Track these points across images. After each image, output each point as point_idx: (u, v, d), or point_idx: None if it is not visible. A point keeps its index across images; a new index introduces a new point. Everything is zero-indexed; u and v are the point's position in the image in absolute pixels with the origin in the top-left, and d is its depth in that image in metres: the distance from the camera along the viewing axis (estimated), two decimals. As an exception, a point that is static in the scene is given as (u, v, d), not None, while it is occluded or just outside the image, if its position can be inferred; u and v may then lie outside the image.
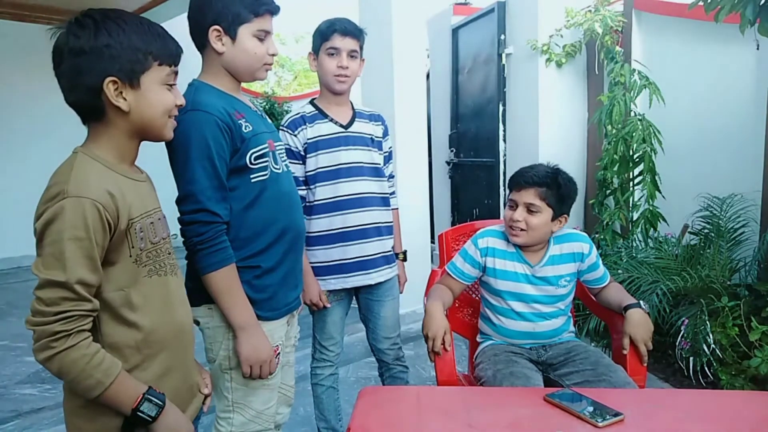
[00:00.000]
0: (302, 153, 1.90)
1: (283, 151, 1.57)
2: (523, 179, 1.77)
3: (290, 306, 1.53)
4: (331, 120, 1.93)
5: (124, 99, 1.05)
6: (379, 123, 2.06)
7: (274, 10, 1.44)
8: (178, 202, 1.35)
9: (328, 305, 1.95)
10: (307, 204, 1.91)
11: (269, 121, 1.59)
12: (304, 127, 1.90)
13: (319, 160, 1.89)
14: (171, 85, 1.12)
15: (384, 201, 2.01)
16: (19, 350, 3.40)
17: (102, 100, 1.04)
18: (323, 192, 1.90)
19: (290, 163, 1.86)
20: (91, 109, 1.06)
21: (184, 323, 1.20)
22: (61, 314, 0.96)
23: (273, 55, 1.46)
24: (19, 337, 3.55)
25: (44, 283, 0.96)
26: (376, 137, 2.02)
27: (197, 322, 1.46)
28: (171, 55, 1.11)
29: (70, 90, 1.04)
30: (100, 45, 1.01)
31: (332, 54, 1.88)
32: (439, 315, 1.70)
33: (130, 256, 1.06)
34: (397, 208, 2.13)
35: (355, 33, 1.90)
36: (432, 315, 1.70)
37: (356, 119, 1.98)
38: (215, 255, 1.33)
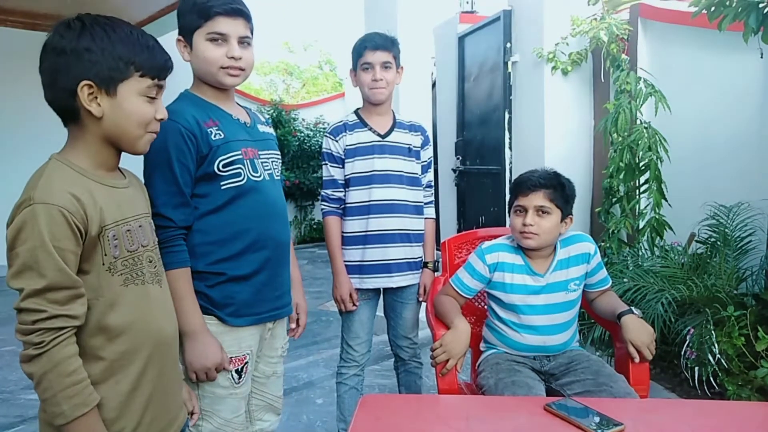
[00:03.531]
0: (342, 157, 2.05)
1: (273, 160, 1.57)
2: (530, 183, 1.77)
3: (262, 316, 1.51)
4: (370, 129, 2.07)
5: (98, 105, 1.04)
6: (419, 133, 2.17)
7: (229, 12, 1.39)
8: None
9: (356, 306, 2.06)
10: (344, 206, 2.08)
11: (260, 130, 1.58)
12: (344, 134, 2.06)
13: (355, 166, 2.04)
14: (152, 98, 1.10)
15: (417, 209, 2.12)
16: (26, 356, 3.44)
17: (76, 103, 1.04)
18: (357, 196, 2.05)
19: (331, 166, 2.06)
20: (66, 109, 1.06)
21: (165, 333, 1.17)
22: (38, 323, 0.95)
23: (233, 58, 1.41)
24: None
25: (20, 293, 0.95)
26: (414, 147, 2.13)
27: None
28: (155, 68, 1.09)
29: (48, 88, 1.05)
30: (81, 47, 1.02)
31: (367, 69, 2.02)
32: (466, 337, 1.70)
33: (103, 264, 1.05)
34: (432, 218, 2.22)
35: (386, 45, 2.02)
36: (460, 334, 1.70)
37: (395, 129, 2.10)
38: (166, 257, 1.32)
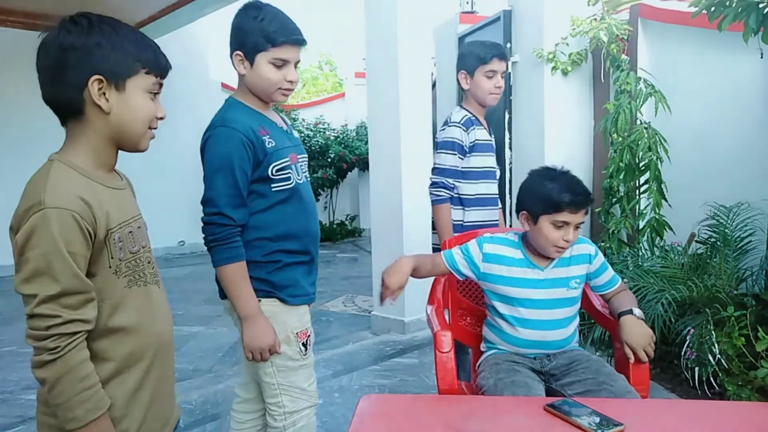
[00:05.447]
0: (467, 150, 2.25)
1: (306, 163, 1.75)
2: (578, 201, 1.69)
3: (311, 296, 1.71)
4: (484, 128, 2.32)
5: (107, 100, 1.04)
6: None
7: (293, 42, 1.57)
8: (202, 204, 1.54)
9: None
10: (457, 195, 2.29)
11: (295, 135, 1.77)
12: (474, 127, 2.27)
13: (476, 160, 2.28)
14: (155, 95, 1.13)
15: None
16: (26, 356, 3.39)
17: (83, 98, 1.03)
18: (476, 188, 2.29)
19: (459, 157, 2.26)
20: (69, 106, 1.05)
21: (165, 334, 1.18)
22: (52, 328, 0.95)
23: (291, 81, 1.60)
24: (25, 343, 3.60)
25: (32, 298, 0.95)
26: None
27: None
28: (159, 65, 1.11)
29: (51, 84, 1.04)
30: (92, 43, 1.02)
31: (491, 76, 2.23)
32: (405, 272, 1.74)
33: (110, 267, 1.05)
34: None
35: (506, 56, 2.28)
36: (399, 268, 1.74)
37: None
38: (226, 251, 1.51)
